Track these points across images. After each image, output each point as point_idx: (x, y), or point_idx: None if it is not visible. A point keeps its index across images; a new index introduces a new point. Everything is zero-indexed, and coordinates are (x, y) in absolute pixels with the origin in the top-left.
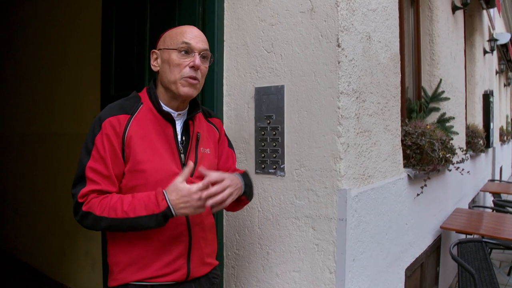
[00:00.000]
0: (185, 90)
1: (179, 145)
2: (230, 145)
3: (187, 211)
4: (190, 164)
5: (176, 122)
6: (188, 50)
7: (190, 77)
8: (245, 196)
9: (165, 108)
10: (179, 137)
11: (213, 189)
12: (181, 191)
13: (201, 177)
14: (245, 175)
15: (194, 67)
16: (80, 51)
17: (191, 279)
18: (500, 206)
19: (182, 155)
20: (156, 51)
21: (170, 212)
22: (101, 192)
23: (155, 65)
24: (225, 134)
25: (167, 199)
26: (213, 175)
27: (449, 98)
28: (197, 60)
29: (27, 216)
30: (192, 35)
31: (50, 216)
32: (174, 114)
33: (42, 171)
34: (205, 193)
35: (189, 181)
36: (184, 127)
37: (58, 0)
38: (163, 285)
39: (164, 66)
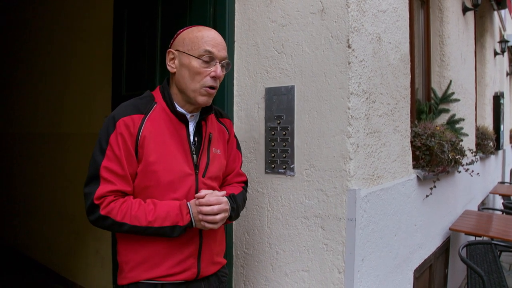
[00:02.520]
0: (203, 99)
1: (192, 145)
2: (238, 146)
3: (200, 226)
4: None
5: (189, 123)
6: (210, 59)
7: (210, 87)
8: (228, 219)
9: (179, 109)
10: (191, 137)
11: (207, 209)
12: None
13: (212, 178)
14: (232, 198)
15: (216, 77)
16: (91, 51)
17: (201, 278)
18: (510, 208)
19: (195, 156)
20: (173, 51)
21: (192, 225)
22: (117, 193)
23: (171, 66)
24: (235, 135)
25: (191, 213)
26: (212, 198)
27: (459, 100)
28: (219, 70)
29: (37, 215)
30: (215, 42)
31: (60, 215)
32: (188, 115)
33: (52, 170)
34: (198, 208)
35: (201, 181)
36: (197, 128)
37: (69, 0)
38: (173, 284)
39: (183, 71)
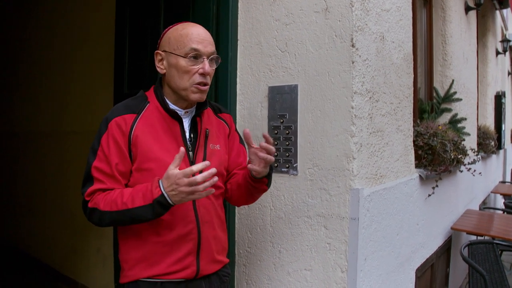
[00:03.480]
0: (196, 96)
1: (187, 142)
2: (241, 141)
3: (178, 198)
4: (182, 150)
5: (184, 120)
6: (196, 56)
7: (200, 84)
8: (267, 179)
9: (172, 106)
10: (187, 134)
11: (199, 177)
12: (169, 178)
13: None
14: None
15: (204, 74)
16: (93, 49)
17: (201, 277)
18: (511, 208)
19: (191, 153)
20: (160, 52)
21: (165, 200)
22: (108, 191)
23: (160, 67)
24: (236, 130)
25: (161, 186)
26: (198, 164)
27: (461, 99)
28: (207, 66)
29: (39, 214)
30: (200, 39)
31: (62, 213)
32: (181, 112)
33: (54, 169)
34: (187, 180)
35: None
36: (192, 124)
37: None
38: (172, 282)
39: (171, 71)
